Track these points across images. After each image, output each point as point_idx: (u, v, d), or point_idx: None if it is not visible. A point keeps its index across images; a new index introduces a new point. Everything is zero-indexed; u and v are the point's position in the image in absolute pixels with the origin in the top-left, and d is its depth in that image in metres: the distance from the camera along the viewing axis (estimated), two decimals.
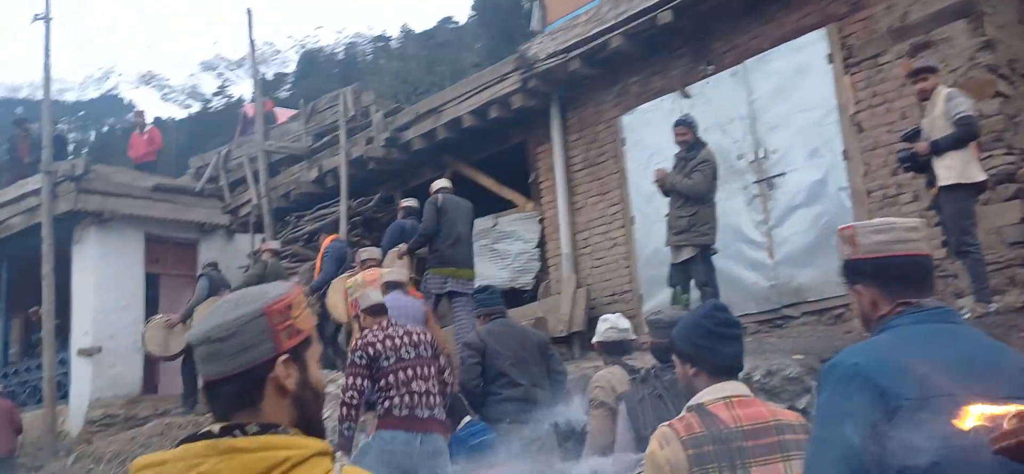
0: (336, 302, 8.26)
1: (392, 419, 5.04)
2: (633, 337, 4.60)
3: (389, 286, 6.50)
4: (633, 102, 8.80)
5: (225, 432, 1.35)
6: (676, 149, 7.76)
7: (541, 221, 9.57)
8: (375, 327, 5.26)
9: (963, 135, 5.66)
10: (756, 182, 7.71)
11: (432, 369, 5.25)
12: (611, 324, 4.58)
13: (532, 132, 9.76)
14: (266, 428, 1.37)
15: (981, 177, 5.72)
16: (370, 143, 10.65)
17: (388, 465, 4.89)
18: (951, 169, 5.71)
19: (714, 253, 6.74)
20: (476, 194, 10.28)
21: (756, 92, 7.79)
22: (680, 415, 2.45)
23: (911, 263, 1.93)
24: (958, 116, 5.68)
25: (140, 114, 15.97)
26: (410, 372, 5.13)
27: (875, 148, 6.93)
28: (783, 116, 7.57)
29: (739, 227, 7.67)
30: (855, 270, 1.98)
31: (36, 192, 12.41)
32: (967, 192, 5.72)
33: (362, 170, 10.88)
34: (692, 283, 6.74)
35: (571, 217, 9.17)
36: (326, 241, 9.34)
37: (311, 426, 1.45)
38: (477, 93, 9.59)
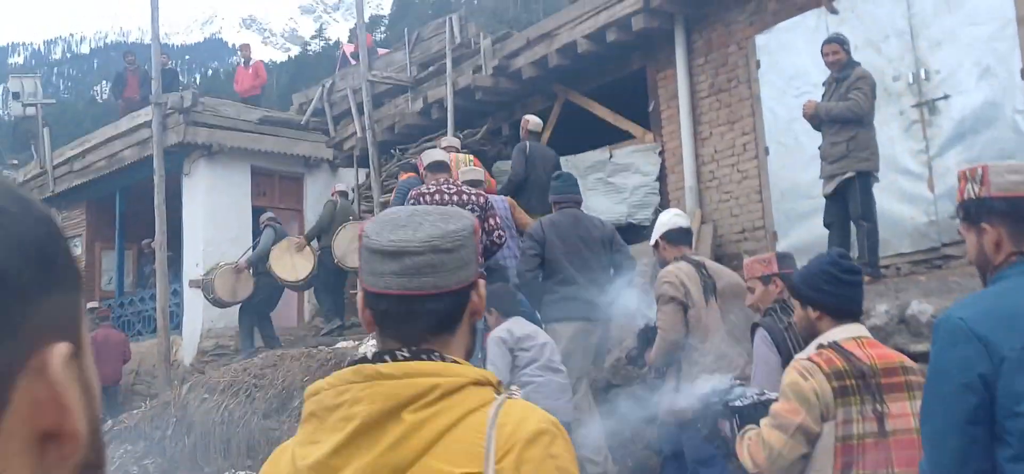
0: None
1: None
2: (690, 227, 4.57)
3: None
4: (770, 19, 8.00)
5: (377, 358, 1.26)
6: (819, 73, 7.03)
7: (661, 152, 8.93)
8: (431, 181, 5.65)
9: None
10: (915, 106, 6.87)
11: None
12: (673, 214, 4.63)
13: (653, 57, 9.08)
14: (419, 354, 1.26)
15: None
16: (478, 72, 10.17)
17: None
18: None
19: (875, 181, 6.00)
20: (590, 125, 9.74)
21: (916, 4, 6.90)
22: (816, 351, 2.55)
23: None
24: None
25: (246, 48, 15.94)
26: None
27: None
28: (949, 30, 6.68)
29: (894, 157, 6.87)
30: (984, 209, 1.98)
31: (147, 124, 12.48)
32: None
33: (469, 101, 10.42)
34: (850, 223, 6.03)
35: (696, 148, 8.50)
36: (402, 177, 8.95)
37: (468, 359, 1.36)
38: (594, 15, 8.94)
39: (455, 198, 5.39)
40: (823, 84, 6.43)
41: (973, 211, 2.02)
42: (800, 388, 2.46)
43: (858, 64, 6.15)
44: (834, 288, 2.66)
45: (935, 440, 1.89)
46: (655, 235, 4.57)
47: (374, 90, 11.77)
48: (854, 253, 6.09)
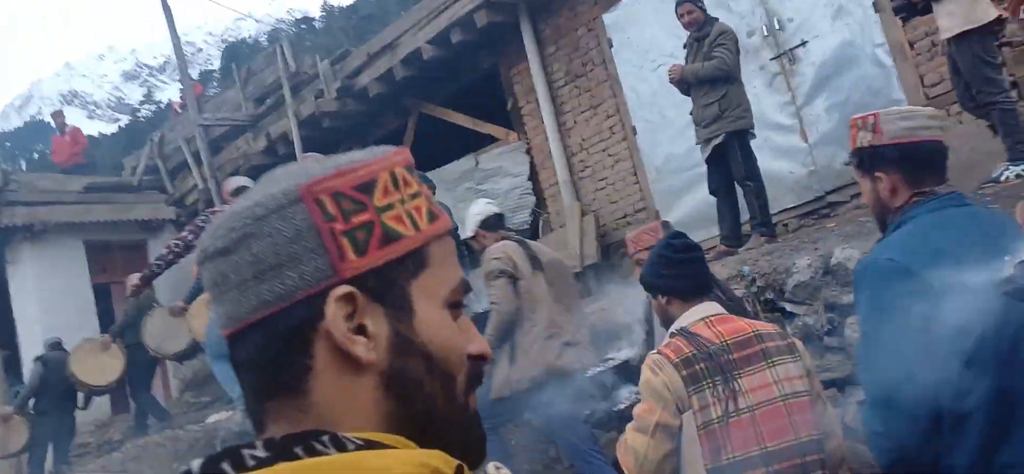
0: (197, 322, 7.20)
1: None
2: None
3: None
4: None
5: (260, 454, 0.66)
6: (673, 41, 6.79)
7: (528, 151, 8.50)
8: None
9: None
10: (774, 58, 6.72)
11: None
12: (484, 203, 4.77)
13: (503, 53, 8.64)
14: (309, 437, 0.66)
15: (991, 14, 4.73)
16: (320, 97, 9.43)
17: None
18: (953, 16, 4.75)
19: (752, 137, 5.75)
20: (450, 134, 9.21)
21: None
22: (665, 341, 2.50)
23: (934, 148, 1.99)
24: None
25: (59, 115, 14.41)
26: None
27: None
28: None
29: (762, 113, 6.65)
30: (878, 157, 2.00)
31: None
32: (980, 37, 4.76)
33: (315, 130, 9.66)
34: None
35: (562, 139, 8.11)
36: None
37: (431, 430, 0.73)
38: (434, 17, 8.41)
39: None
40: (684, 47, 6.16)
41: (867, 160, 2.04)
42: (652, 384, 2.40)
43: (717, 20, 5.90)
44: (673, 270, 2.62)
45: (886, 396, 1.84)
46: (470, 228, 4.60)
47: (210, 135, 10.82)
48: (745, 216, 5.84)
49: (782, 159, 6.63)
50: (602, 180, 7.89)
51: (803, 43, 6.54)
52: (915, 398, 1.74)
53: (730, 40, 5.74)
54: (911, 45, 6.04)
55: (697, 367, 2.35)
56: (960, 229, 1.89)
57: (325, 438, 0.65)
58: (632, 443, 2.44)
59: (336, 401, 0.70)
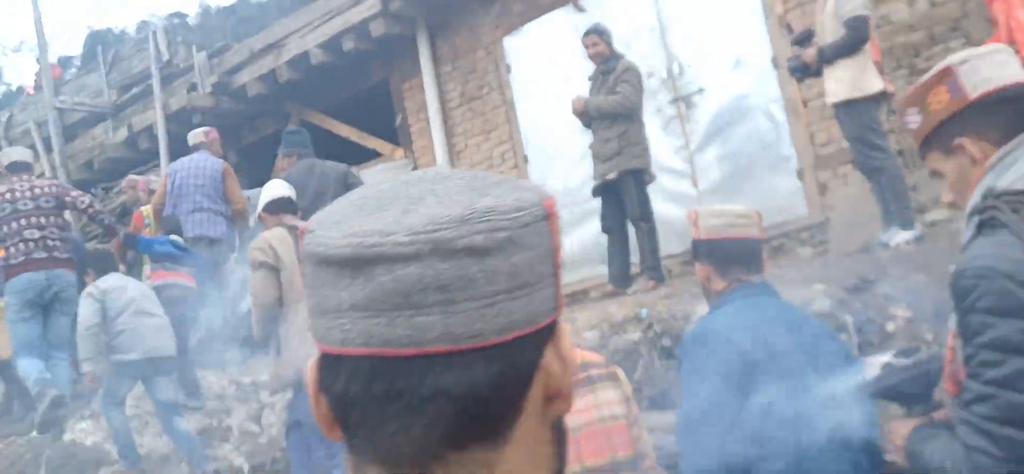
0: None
1: (12, 266, 5.45)
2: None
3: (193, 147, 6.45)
4: (516, 21, 7.54)
5: None
6: (573, 72, 6.68)
7: (414, 169, 8.15)
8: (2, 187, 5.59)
9: (852, 39, 4.83)
10: (672, 102, 6.70)
11: (51, 219, 5.55)
12: (276, 183, 4.73)
13: (396, 66, 8.29)
14: None
15: (878, 86, 4.91)
16: (193, 91, 8.77)
17: (26, 303, 5.39)
18: (842, 82, 4.89)
19: (651, 180, 5.67)
20: (331, 145, 8.74)
21: None
22: None
23: (740, 245, 2.22)
24: (849, 16, 4.85)
25: None
26: (24, 222, 5.46)
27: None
28: (698, 23, 6.57)
29: (657, 155, 6.55)
30: (696, 249, 2.29)
31: None
32: (866, 106, 4.91)
33: (185, 126, 8.89)
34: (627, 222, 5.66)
35: (452, 162, 7.82)
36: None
37: None
38: (327, 21, 7.98)
39: (29, 194, 5.48)
40: (589, 79, 6.04)
41: (693, 251, 2.33)
42: None
43: (622, 56, 5.81)
44: None
45: (698, 444, 2.03)
46: (259, 208, 4.64)
47: (65, 121, 9.89)
48: (635, 257, 5.72)
49: (672, 203, 6.58)
50: None
51: (700, 90, 6.54)
52: (722, 444, 1.99)
53: (635, 77, 5.66)
54: (804, 103, 6.14)
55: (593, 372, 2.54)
56: (767, 313, 2.15)
57: None
58: None
59: (527, 455, 0.63)
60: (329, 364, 0.60)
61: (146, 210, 5.25)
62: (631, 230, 5.66)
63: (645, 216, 5.57)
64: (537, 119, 7.36)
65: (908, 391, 1.74)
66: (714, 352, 2.05)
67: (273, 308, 4.11)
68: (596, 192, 5.70)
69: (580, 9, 7.15)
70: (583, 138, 6.10)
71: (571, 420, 2.37)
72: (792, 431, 1.92)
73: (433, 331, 0.57)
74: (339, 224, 0.60)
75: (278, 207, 4.52)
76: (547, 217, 0.61)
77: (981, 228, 1.50)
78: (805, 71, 5.18)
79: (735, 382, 1.99)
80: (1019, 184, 1.48)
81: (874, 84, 4.89)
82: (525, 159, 7.44)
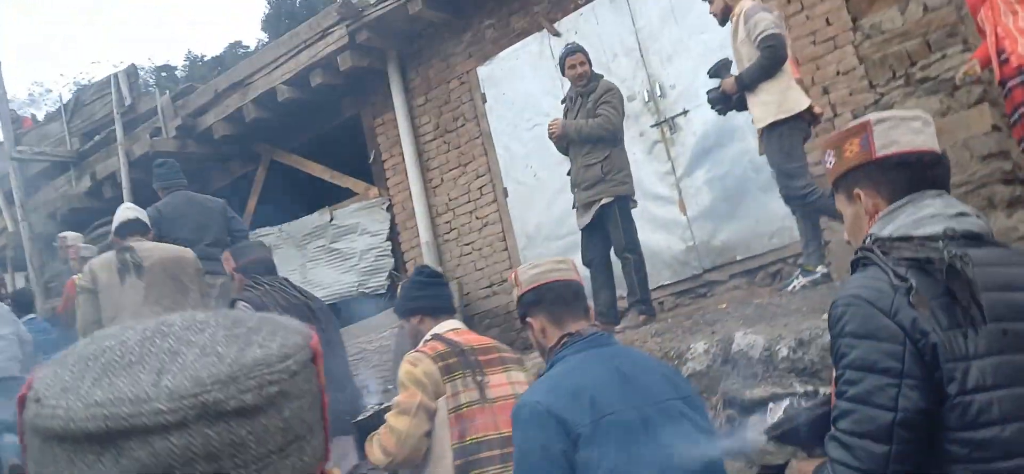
0: None
1: None
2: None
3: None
4: (490, 49, 7.21)
5: None
6: (550, 99, 6.39)
7: (389, 208, 7.78)
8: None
9: (769, 60, 4.66)
10: (655, 126, 6.36)
11: None
12: (125, 208, 5.03)
13: (367, 101, 7.95)
14: None
15: (804, 104, 4.71)
16: (157, 136, 8.39)
17: None
18: (767, 105, 4.72)
19: (634, 206, 5.34)
20: (303, 185, 8.38)
21: (642, 18, 6.43)
22: (423, 343, 2.94)
23: (561, 286, 2.31)
24: (760, 37, 4.68)
25: None
26: None
27: (798, 64, 5.72)
28: (678, 41, 6.25)
29: (641, 181, 6.23)
30: (524, 303, 2.34)
31: None
32: (791, 126, 4.70)
33: (150, 173, 8.52)
34: (611, 253, 5.31)
35: (427, 198, 7.45)
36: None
37: None
38: (293, 56, 7.63)
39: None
40: (562, 101, 5.73)
41: (520, 309, 2.35)
42: (413, 374, 2.79)
43: (602, 77, 5.51)
44: (424, 291, 3.11)
45: None
46: (111, 232, 4.88)
47: (26, 172, 9.48)
48: (623, 291, 5.35)
49: (660, 232, 6.23)
50: (468, 244, 7.26)
51: (685, 112, 6.21)
52: None
53: (616, 98, 5.37)
54: None
55: (450, 361, 2.81)
56: (597, 369, 2.13)
57: None
58: (395, 425, 2.77)
59: None
60: None
61: (78, 278, 4.76)
62: (616, 262, 5.30)
63: (631, 247, 5.22)
64: (515, 150, 7.02)
65: (809, 433, 1.76)
66: (538, 429, 2.03)
67: (89, 329, 4.28)
68: (588, 225, 5.37)
69: (555, 33, 6.84)
70: (564, 167, 5.77)
71: (490, 392, 2.79)
72: None
73: None
74: (76, 390, 0.51)
75: (128, 230, 4.75)
76: (313, 359, 0.58)
77: (855, 267, 1.67)
78: (726, 102, 4.98)
79: (561, 459, 1.98)
80: (894, 234, 1.63)
81: (800, 101, 4.72)
82: (505, 192, 7.08)
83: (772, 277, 5.77)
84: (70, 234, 6.65)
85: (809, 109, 4.76)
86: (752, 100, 4.81)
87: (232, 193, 8.61)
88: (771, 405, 1.98)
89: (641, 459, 1.97)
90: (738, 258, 5.93)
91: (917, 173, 1.69)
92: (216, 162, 8.78)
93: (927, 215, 1.64)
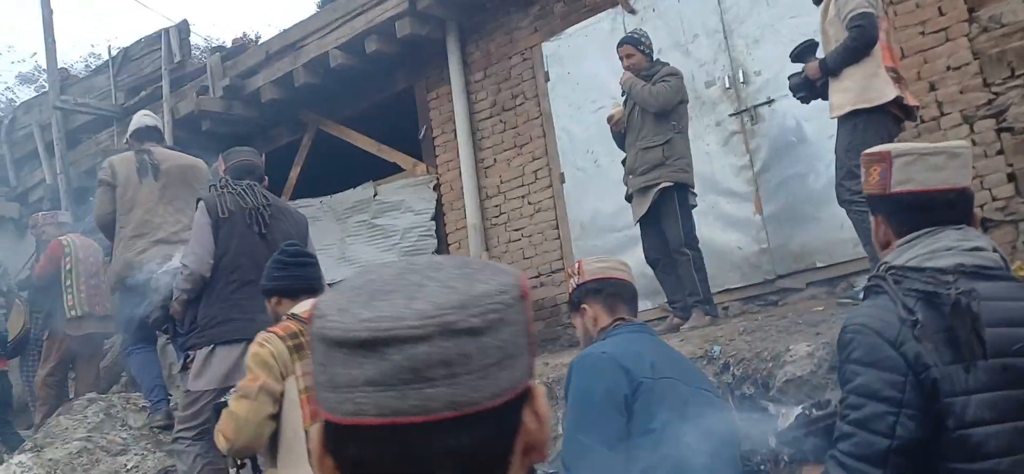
0: None
1: None
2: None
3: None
4: (558, 25, 6.75)
5: None
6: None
7: (437, 186, 7.33)
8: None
9: (856, 42, 4.18)
10: (734, 114, 5.81)
11: None
12: (142, 114, 5.14)
13: (422, 73, 7.53)
14: None
15: (889, 95, 4.20)
16: (203, 94, 8.06)
17: None
18: (847, 92, 4.25)
19: (694, 203, 4.92)
20: (349, 158, 7.99)
21: None
22: (278, 323, 2.83)
23: (625, 286, 2.48)
24: (850, 15, 4.20)
25: None
26: None
27: (902, 56, 5.15)
28: (767, 25, 5.71)
29: (713, 175, 5.74)
30: (583, 290, 2.48)
31: None
32: (871, 119, 4.19)
33: (194, 132, 8.22)
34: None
35: (478, 179, 6.99)
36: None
37: None
38: (349, 20, 7.26)
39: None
40: (623, 94, 5.28)
41: (576, 298, 2.51)
42: (259, 356, 2.70)
43: (665, 63, 5.11)
44: (284, 272, 2.99)
45: (587, 459, 2.11)
46: (127, 134, 5.07)
47: (69, 124, 9.25)
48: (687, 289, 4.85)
49: (731, 231, 5.67)
50: (517, 230, 6.77)
51: (769, 101, 5.66)
52: (609, 458, 2.10)
53: (677, 81, 4.99)
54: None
55: (302, 340, 2.68)
56: (650, 346, 2.34)
57: None
58: (234, 409, 2.65)
59: None
60: (340, 433, 0.69)
61: (100, 173, 4.97)
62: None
63: (690, 242, 4.81)
64: (576, 133, 6.53)
65: (815, 445, 1.81)
66: (603, 374, 2.17)
67: (105, 219, 4.72)
68: (644, 217, 4.94)
69: (630, 10, 6.35)
70: (623, 158, 5.33)
71: None
72: (682, 451, 2.07)
73: (439, 401, 0.66)
74: (350, 310, 0.68)
75: (145, 136, 4.92)
76: (523, 297, 0.71)
77: (866, 294, 1.75)
78: (809, 89, 4.53)
79: (622, 404, 2.13)
80: (907, 264, 1.66)
81: (885, 91, 4.20)
82: (561, 177, 6.58)
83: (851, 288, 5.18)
84: (41, 214, 7.00)
85: (897, 101, 4.27)
86: (833, 86, 4.37)
87: (274, 162, 8.26)
88: (783, 411, 2.15)
89: (688, 422, 2.12)
90: (817, 264, 5.35)
91: (930, 212, 1.71)
92: (261, 128, 8.42)
93: (941, 248, 1.66)
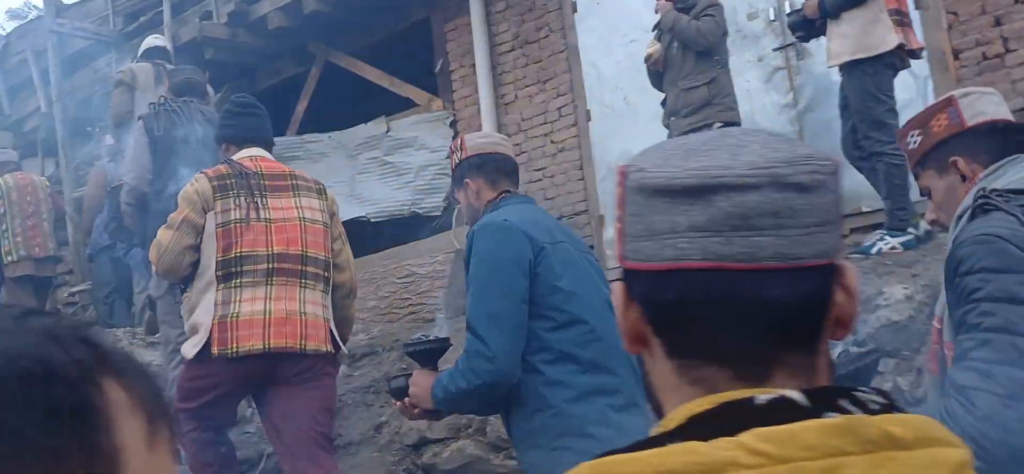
0: None
1: None
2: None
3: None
4: None
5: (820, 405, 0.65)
6: (652, 16, 5.54)
7: (453, 123, 6.97)
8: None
9: None
10: (779, 49, 5.46)
11: None
12: (151, 39, 5.90)
13: (439, 3, 7.12)
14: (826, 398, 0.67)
15: (891, 42, 4.07)
16: (207, 20, 7.65)
17: None
18: (845, 39, 4.12)
19: None
20: (361, 91, 7.61)
21: None
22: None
23: (504, 159, 2.55)
24: None
25: None
26: None
27: None
28: None
29: (753, 114, 5.39)
30: (467, 167, 2.52)
31: None
32: (874, 67, 4.08)
33: (196, 60, 7.73)
34: None
35: (497, 116, 6.63)
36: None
37: None
38: None
39: None
40: (654, 28, 4.96)
41: (459, 173, 2.54)
42: (186, 193, 3.13)
43: None
44: (233, 121, 3.34)
45: (497, 321, 2.20)
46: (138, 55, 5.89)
47: (65, 50, 8.82)
48: None
49: None
50: (539, 170, 6.43)
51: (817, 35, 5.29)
52: (518, 319, 2.21)
53: (719, 12, 4.71)
54: (956, 54, 4.87)
55: (228, 181, 3.11)
56: (538, 215, 2.47)
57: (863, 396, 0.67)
58: (159, 237, 3.13)
59: (825, 366, 0.72)
60: (656, 279, 0.70)
61: (120, 75, 5.63)
62: None
63: None
64: (605, 69, 6.17)
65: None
66: (508, 240, 2.25)
67: (125, 118, 5.16)
68: None
69: None
70: (656, 96, 4.98)
71: (267, 213, 3.09)
72: (584, 307, 2.26)
73: (766, 250, 0.67)
74: (671, 163, 0.69)
75: (156, 54, 5.57)
76: (836, 171, 0.71)
77: (975, 214, 1.68)
78: (808, 28, 4.41)
79: (527, 268, 2.23)
80: (1008, 186, 1.69)
81: (887, 39, 4.06)
82: (587, 115, 6.23)
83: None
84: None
85: (899, 48, 4.13)
86: (832, 30, 4.21)
87: (280, 95, 7.89)
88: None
89: (584, 282, 2.30)
90: (863, 209, 5.03)
91: (1009, 138, 1.78)
92: (267, 58, 8.02)
93: None
